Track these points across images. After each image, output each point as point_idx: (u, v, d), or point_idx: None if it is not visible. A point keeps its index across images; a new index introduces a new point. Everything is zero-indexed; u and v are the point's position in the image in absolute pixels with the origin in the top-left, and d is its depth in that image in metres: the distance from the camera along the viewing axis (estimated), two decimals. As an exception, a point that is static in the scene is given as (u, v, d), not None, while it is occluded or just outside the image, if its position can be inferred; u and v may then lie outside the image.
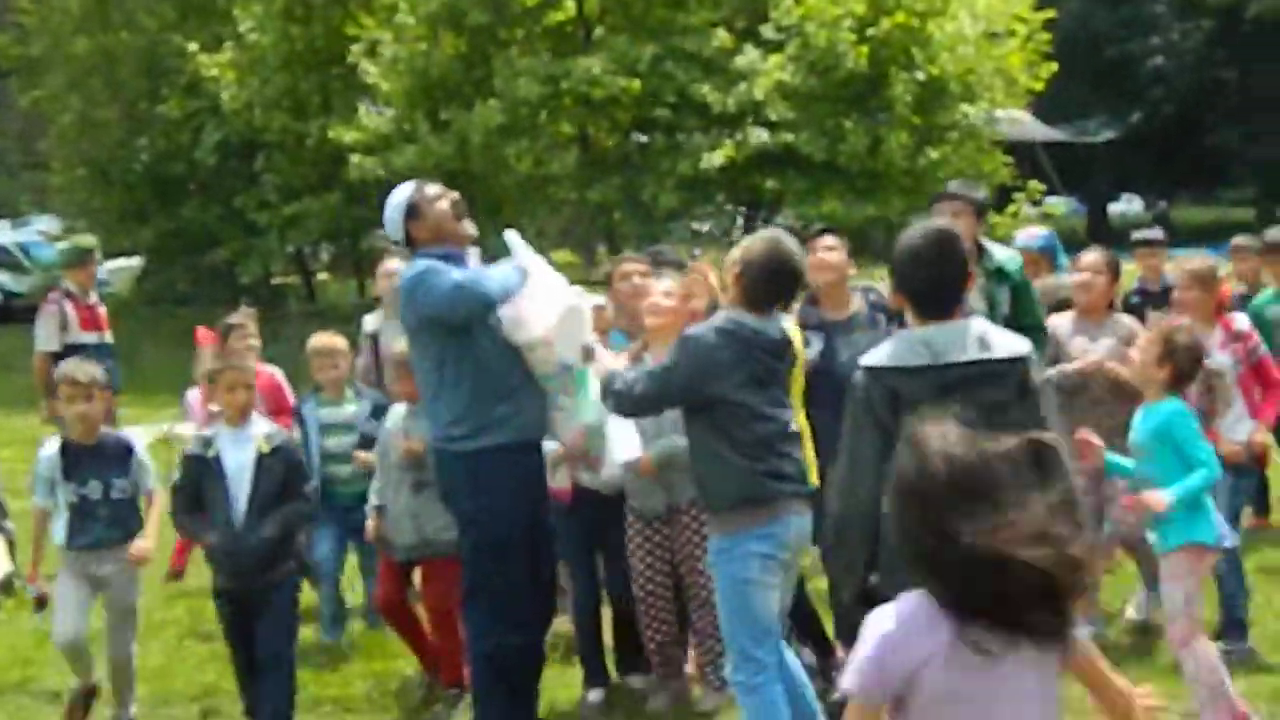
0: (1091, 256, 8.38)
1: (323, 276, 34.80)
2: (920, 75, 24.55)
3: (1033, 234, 10.61)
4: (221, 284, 29.15)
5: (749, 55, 25.15)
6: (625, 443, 7.06)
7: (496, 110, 24.15)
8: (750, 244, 6.35)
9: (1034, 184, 26.69)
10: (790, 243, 6.34)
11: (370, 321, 9.64)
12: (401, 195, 6.95)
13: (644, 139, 26.88)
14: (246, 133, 27.87)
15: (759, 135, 24.59)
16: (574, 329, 6.75)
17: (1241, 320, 8.49)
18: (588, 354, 6.78)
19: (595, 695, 7.61)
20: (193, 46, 27.48)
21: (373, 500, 7.95)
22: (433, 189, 7.00)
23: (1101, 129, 62.60)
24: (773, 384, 6.17)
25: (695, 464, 6.27)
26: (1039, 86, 26.74)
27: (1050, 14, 27.01)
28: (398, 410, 7.87)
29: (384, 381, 8.96)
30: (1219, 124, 63.62)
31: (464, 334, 6.63)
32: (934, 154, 24.76)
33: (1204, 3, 62.25)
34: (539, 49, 25.73)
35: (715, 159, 24.40)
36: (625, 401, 6.29)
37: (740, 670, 6.07)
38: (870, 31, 24.41)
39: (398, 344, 7.72)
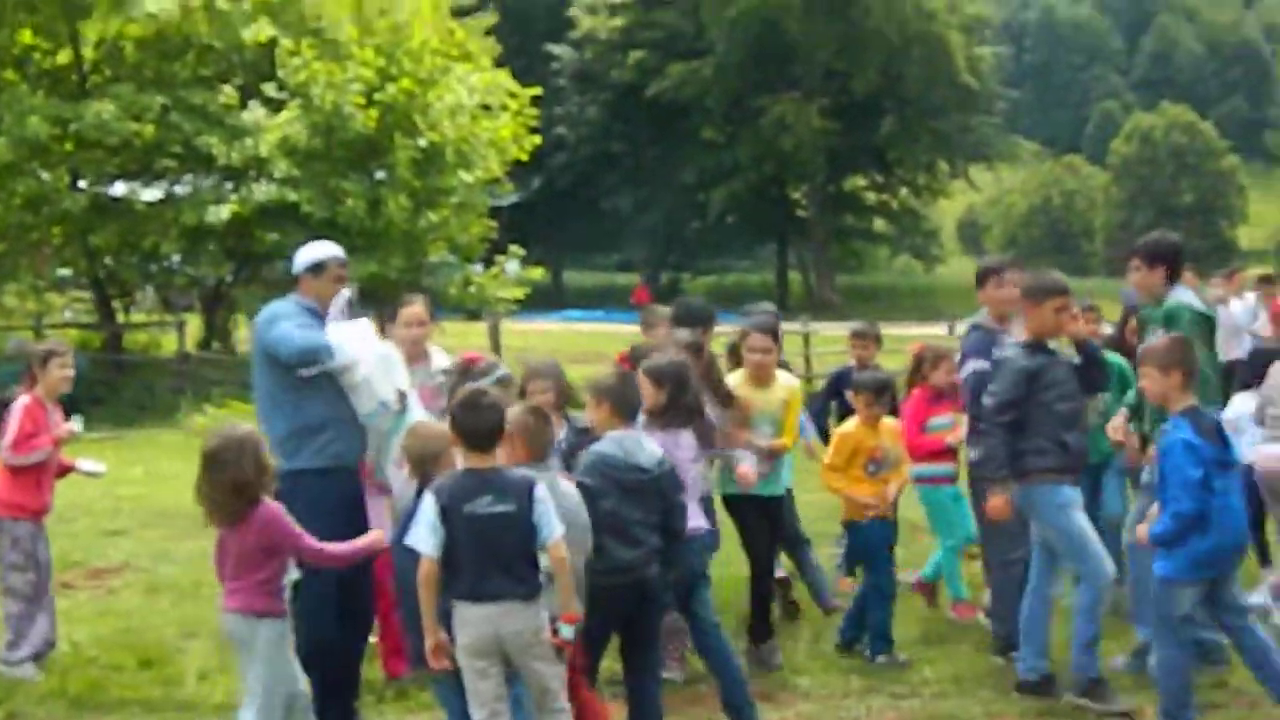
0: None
1: None
2: (421, 141, 25.82)
3: None
4: None
5: (255, 112, 25.74)
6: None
7: (5, 147, 23.77)
8: None
9: (515, 247, 28.41)
10: None
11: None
12: (328, 251, 8.20)
13: (142, 188, 27.02)
14: None
15: (264, 190, 25.21)
16: (388, 373, 7.94)
17: None
18: (402, 398, 7.95)
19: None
20: None
21: None
22: (341, 262, 8.15)
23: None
24: None
25: None
26: (525, 157, 28.55)
27: (537, 90, 28.99)
28: None
29: None
30: (612, 192, 67.90)
31: (293, 371, 7.78)
32: (433, 217, 26.09)
33: (604, 78, 66.39)
34: (36, 90, 25.37)
35: (222, 212, 24.88)
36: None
37: None
38: (377, 96, 25.47)
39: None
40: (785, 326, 11.56)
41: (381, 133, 25.64)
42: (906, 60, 64.62)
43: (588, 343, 33.10)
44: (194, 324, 30.10)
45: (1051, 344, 8.32)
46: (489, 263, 28.31)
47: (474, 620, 6.38)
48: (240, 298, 28.63)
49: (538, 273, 29.37)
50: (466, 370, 8.39)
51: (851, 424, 9.56)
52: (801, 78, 64.86)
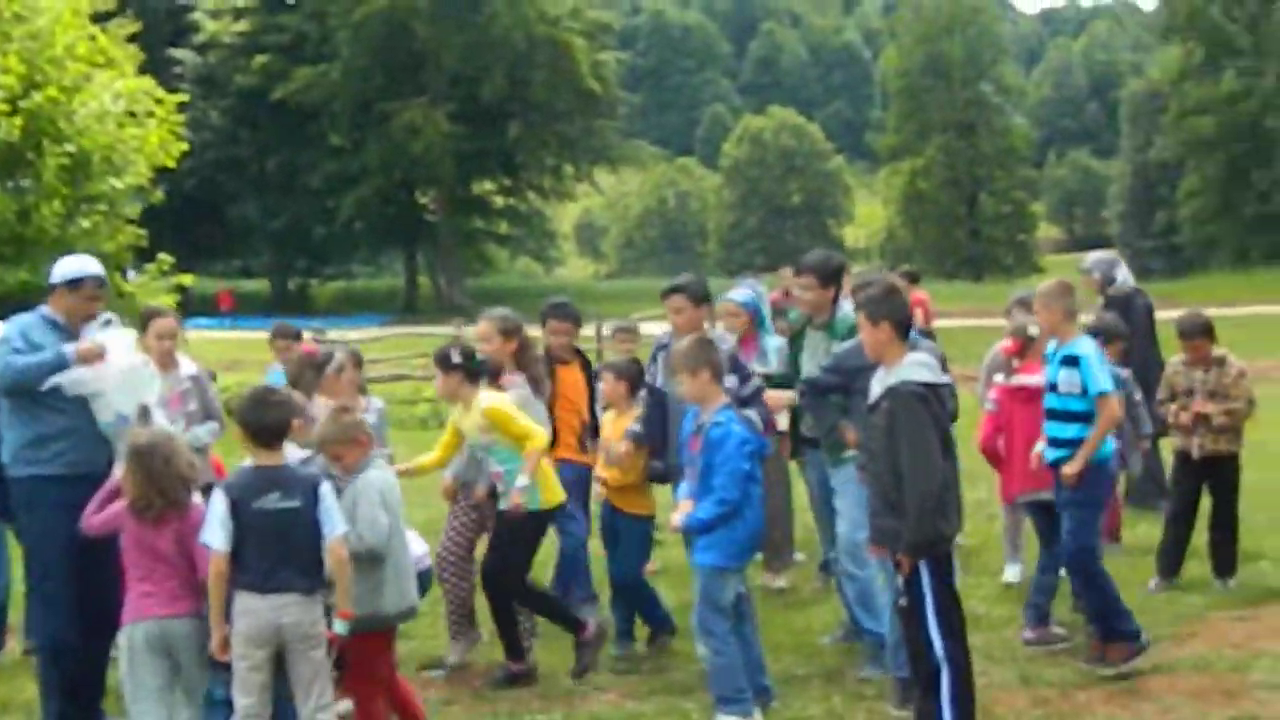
0: None
1: None
2: (70, 148, 25.50)
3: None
4: None
5: (-109, 121, 25.02)
6: None
7: None
8: None
9: (164, 256, 28.23)
10: None
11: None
12: (87, 268, 8.27)
13: None
14: None
15: (-97, 202, 24.57)
16: (133, 387, 8.12)
17: None
18: (144, 413, 8.01)
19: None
20: None
21: None
22: (100, 282, 8.32)
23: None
24: None
25: None
26: (171, 164, 28.40)
27: (184, 97, 28.89)
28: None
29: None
30: (239, 198, 67.08)
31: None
32: (85, 223, 25.82)
33: (228, 83, 65.55)
34: None
35: None
36: None
37: None
38: (22, 104, 25.06)
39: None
40: (427, 329, 11.10)
41: (27, 140, 25.22)
42: (532, 66, 65.85)
43: (234, 350, 33.11)
44: None
45: None
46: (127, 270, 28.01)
47: (256, 610, 6.66)
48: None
49: (189, 279, 29.16)
50: (311, 362, 8.81)
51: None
52: (429, 83, 65.43)
